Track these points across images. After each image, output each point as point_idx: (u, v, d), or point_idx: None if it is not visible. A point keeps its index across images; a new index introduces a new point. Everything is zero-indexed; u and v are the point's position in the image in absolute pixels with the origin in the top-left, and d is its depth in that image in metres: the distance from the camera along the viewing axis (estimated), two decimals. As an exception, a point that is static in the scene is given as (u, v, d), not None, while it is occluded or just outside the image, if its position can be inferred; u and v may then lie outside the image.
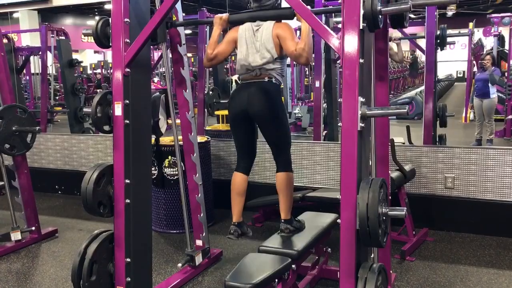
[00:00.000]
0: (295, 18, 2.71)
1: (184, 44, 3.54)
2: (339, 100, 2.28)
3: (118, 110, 2.75)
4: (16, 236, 4.23)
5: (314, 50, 6.27)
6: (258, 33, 2.82)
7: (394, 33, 5.90)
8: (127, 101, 2.74)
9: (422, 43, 5.50)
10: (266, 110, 2.90)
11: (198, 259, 3.60)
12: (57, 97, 10.34)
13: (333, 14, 6.00)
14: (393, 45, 5.79)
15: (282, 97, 3.03)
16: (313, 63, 6.03)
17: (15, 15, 10.16)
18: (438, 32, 5.04)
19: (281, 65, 2.89)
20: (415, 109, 10.17)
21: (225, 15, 2.92)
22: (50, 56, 7.97)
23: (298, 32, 4.46)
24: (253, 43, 2.81)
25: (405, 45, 24.78)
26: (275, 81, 2.86)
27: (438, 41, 5.07)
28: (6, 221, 4.51)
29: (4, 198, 4.36)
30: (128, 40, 2.75)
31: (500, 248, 3.94)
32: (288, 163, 3.08)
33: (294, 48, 2.71)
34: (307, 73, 11.02)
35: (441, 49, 5.22)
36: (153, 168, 4.30)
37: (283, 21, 2.91)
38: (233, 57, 12.92)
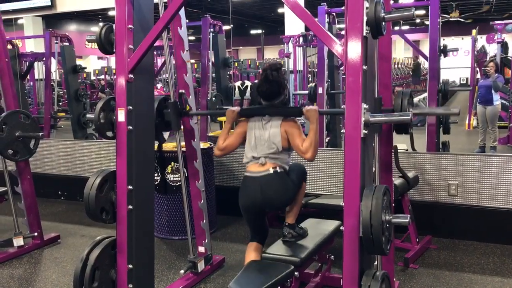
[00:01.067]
0: (304, 115, 2.81)
1: (187, 50, 3.55)
2: (342, 106, 2.28)
3: (121, 116, 2.75)
4: (18, 241, 4.23)
5: (318, 57, 6.28)
6: (267, 125, 2.92)
7: (396, 38, 5.90)
8: (130, 107, 2.75)
9: (426, 49, 5.50)
10: (284, 200, 2.98)
11: (201, 265, 3.59)
12: (60, 103, 10.37)
13: (336, 21, 6.02)
14: None
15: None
16: (316, 70, 6.03)
17: (19, 21, 10.23)
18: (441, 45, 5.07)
19: (287, 156, 2.97)
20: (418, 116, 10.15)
21: (236, 109, 3.03)
22: (54, 62, 8.00)
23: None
24: (261, 134, 2.91)
25: (408, 52, 24.80)
26: (280, 169, 2.90)
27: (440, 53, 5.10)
28: (9, 227, 4.51)
29: (7, 204, 4.36)
30: (131, 47, 2.76)
31: (505, 256, 3.91)
32: (304, 175, 3.11)
33: (301, 145, 2.79)
34: (310, 79, 11.04)
35: (444, 56, 5.23)
36: (155, 174, 4.30)
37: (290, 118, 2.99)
38: (236, 63, 12.98)
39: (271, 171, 2.87)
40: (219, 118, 6.80)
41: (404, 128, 2.75)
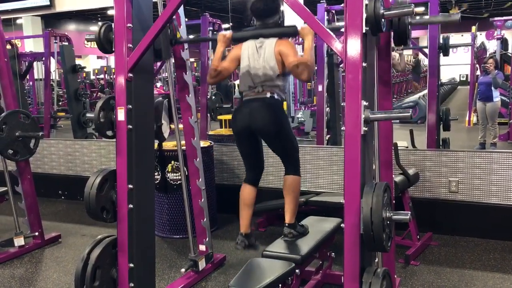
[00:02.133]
0: (299, 34, 2.72)
1: (186, 49, 3.54)
2: (342, 104, 2.28)
3: (121, 115, 2.75)
4: (19, 241, 4.23)
5: (317, 55, 6.27)
6: (261, 50, 2.83)
7: None
8: (130, 106, 2.75)
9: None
10: (269, 126, 2.90)
11: (202, 264, 3.59)
12: (60, 103, 10.38)
13: (335, 18, 6.01)
14: (396, 55, 5.79)
15: (285, 104, 3.04)
16: (316, 67, 6.02)
17: (18, 21, 10.22)
18: (441, 42, 5.04)
19: (284, 82, 2.91)
20: (419, 113, 10.15)
21: (228, 33, 2.95)
22: (53, 62, 7.99)
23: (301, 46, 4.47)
24: (256, 60, 2.83)
25: (408, 49, 24.71)
26: (277, 97, 2.87)
27: (441, 51, 5.08)
28: (10, 227, 4.51)
29: (8, 204, 4.36)
30: (131, 45, 2.76)
31: (506, 252, 3.91)
32: (297, 167, 3.09)
33: (296, 64, 2.71)
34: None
35: (444, 55, 5.21)
36: (156, 173, 4.30)
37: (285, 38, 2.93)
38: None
39: (268, 95, 2.83)
40: (219, 117, 6.80)
41: (403, 35, 2.64)
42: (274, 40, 2.81)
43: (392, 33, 2.62)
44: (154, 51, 3.15)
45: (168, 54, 3.29)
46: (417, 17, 2.44)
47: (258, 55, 2.82)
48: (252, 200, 3.08)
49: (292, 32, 2.83)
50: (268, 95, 2.82)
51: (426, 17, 2.70)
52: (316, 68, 6.06)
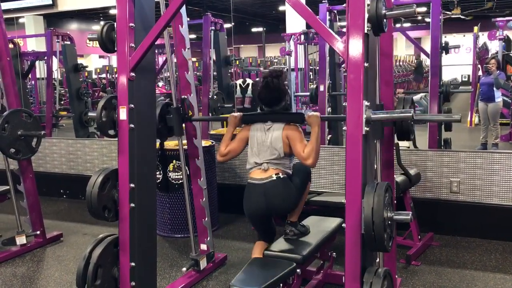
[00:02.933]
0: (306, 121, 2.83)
1: (188, 48, 3.55)
2: (343, 104, 2.28)
3: (123, 114, 2.75)
4: (21, 240, 4.24)
5: (319, 54, 6.28)
6: (268, 132, 2.92)
7: (398, 35, 5.92)
8: (132, 105, 2.75)
9: (427, 47, 5.49)
10: (289, 208, 2.99)
11: (203, 263, 3.60)
12: (62, 102, 10.40)
13: (337, 18, 6.01)
14: None
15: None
16: (318, 67, 6.03)
17: (20, 20, 10.24)
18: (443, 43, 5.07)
19: (289, 161, 2.97)
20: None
21: (238, 114, 3.05)
22: (55, 61, 8.01)
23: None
24: (263, 141, 2.92)
25: (410, 49, 24.77)
26: (283, 175, 2.90)
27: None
28: (12, 225, 4.52)
29: (10, 202, 4.37)
30: (133, 45, 2.76)
31: (507, 253, 3.91)
32: (308, 176, 3.12)
33: (302, 151, 2.79)
34: (311, 77, 11.03)
35: (446, 53, 5.22)
36: (157, 172, 4.30)
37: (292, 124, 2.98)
38: (237, 61, 12.95)
39: (274, 177, 2.88)
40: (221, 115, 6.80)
41: (406, 134, 2.75)
42: (282, 124, 2.91)
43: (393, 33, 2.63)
44: (166, 128, 3.36)
45: (181, 131, 3.45)
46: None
47: (266, 136, 2.92)
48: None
49: (299, 119, 2.92)
50: (274, 176, 2.86)
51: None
52: (318, 68, 6.08)
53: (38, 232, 4.40)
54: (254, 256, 3.00)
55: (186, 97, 3.49)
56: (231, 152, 3.04)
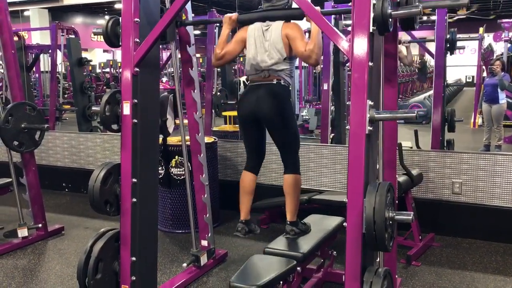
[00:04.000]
0: (305, 19, 2.70)
1: (193, 44, 3.55)
2: (347, 103, 2.28)
3: (126, 109, 2.76)
4: (23, 232, 4.25)
5: (323, 53, 6.26)
6: (267, 33, 2.81)
7: (403, 36, 5.90)
8: (136, 101, 2.75)
9: (432, 47, 5.47)
10: (275, 114, 2.89)
11: (203, 259, 3.60)
12: (65, 95, 10.41)
13: (342, 17, 5.99)
14: (402, 48, 5.78)
15: (291, 99, 3.02)
16: (322, 66, 6.01)
17: (26, 13, 10.27)
18: (448, 36, 5.02)
19: (290, 65, 2.88)
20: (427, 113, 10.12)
21: (234, 15, 2.93)
22: (59, 55, 8.02)
23: (307, 34, 4.49)
24: (262, 43, 2.81)
25: (415, 49, 24.65)
26: (284, 82, 2.86)
27: (448, 45, 5.05)
28: (13, 218, 4.54)
29: (12, 195, 4.38)
30: (137, 40, 2.76)
31: (507, 255, 3.90)
32: (296, 166, 3.07)
33: (304, 48, 2.70)
34: (315, 75, 11.01)
35: (451, 54, 5.19)
36: (160, 168, 4.30)
37: (292, 21, 2.91)
38: (241, 58, 12.92)
39: (275, 81, 2.82)
40: (224, 113, 6.80)
41: (410, 24, 2.63)
42: (281, 23, 2.78)
43: (399, 33, 2.62)
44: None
45: (173, 36, 3.27)
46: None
47: (264, 38, 2.80)
48: (252, 188, 3.09)
49: (299, 15, 2.79)
50: (275, 81, 2.81)
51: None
52: (322, 66, 6.06)
53: (40, 225, 4.41)
54: (242, 185, 2.98)
55: None
56: (227, 54, 2.95)
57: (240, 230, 3.10)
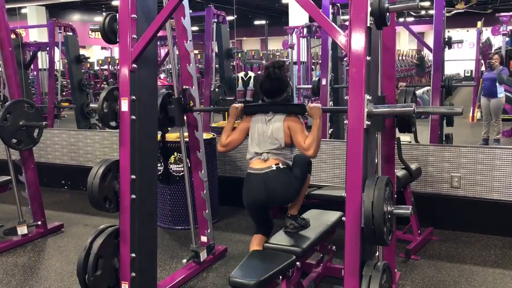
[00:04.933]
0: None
1: (190, 40, 3.54)
2: (345, 97, 2.28)
3: (124, 105, 2.76)
4: (22, 230, 4.26)
5: (322, 48, 6.26)
6: (269, 123, 2.91)
7: (401, 30, 5.90)
8: (134, 97, 2.75)
9: (430, 41, 5.48)
10: (288, 198, 2.98)
11: (203, 255, 3.61)
12: (64, 93, 10.40)
13: (340, 12, 5.99)
14: None
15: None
16: (320, 61, 6.02)
17: (23, 10, 10.25)
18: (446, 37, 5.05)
19: (290, 152, 2.96)
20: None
21: (240, 105, 3.04)
22: (57, 52, 8.01)
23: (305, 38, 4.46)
24: (264, 131, 2.91)
25: (413, 44, 24.66)
26: (283, 165, 2.89)
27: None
28: (13, 215, 4.54)
29: (11, 193, 4.39)
30: (135, 36, 2.76)
31: (506, 248, 3.92)
32: (308, 167, 3.11)
33: (303, 141, 2.79)
34: (313, 70, 11.01)
35: (449, 48, 5.20)
36: (158, 164, 4.31)
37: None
38: (239, 54, 12.88)
39: (274, 167, 2.87)
40: (223, 109, 6.80)
41: (407, 126, 2.76)
42: (283, 115, 2.90)
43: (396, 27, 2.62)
44: (168, 118, 3.35)
45: (182, 122, 3.43)
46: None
47: (267, 127, 2.91)
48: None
49: (301, 111, 2.91)
50: (274, 167, 2.86)
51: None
52: (320, 61, 6.06)
53: (39, 223, 4.41)
54: (252, 249, 3.01)
55: (187, 87, 3.49)
56: (232, 143, 3.05)
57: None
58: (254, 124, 2.96)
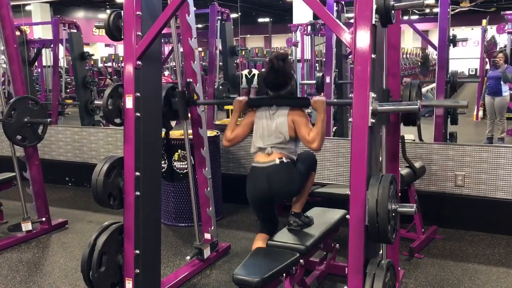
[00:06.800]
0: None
1: (195, 38, 3.54)
2: (350, 95, 2.28)
3: (129, 102, 2.76)
4: (27, 226, 4.28)
5: (326, 45, 6.25)
6: (274, 116, 2.90)
7: (405, 28, 5.89)
8: (138, 94, 2.76)
9: (435, 39, 5.46)
10: (291, 192, 2.99)
11: (207, 252, 3.62)
12: (68, 90, 10.42)
13: (345, 9, 5.97)
14: None
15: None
16: (324, 59, 6.01)
17: (27, 7, 10.26)
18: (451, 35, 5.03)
19: (294, 145, 2.95)
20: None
21: (244, 99, 3.02)
22: (61, 49, 8.02)
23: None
24: (268, 125, 2.90)
25: (417, 42, 24.56)
26: (287, 160, 2.89)
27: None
28: (17, 212, 4.56)
29: (16, 189, 4.40)
30: (139, 33, 2.76)
31: (510, 247, 3.91)
32: (313, 165, 3.12)
33: (308, 134, 2.79)
34: (317, 68, 10.99)
35: (454, 46, 5.19)
36: (162, 162, 4.32)
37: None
38: (243, 51, 12.88)
39: (278, 161, 2.86)
40: (226, 107, 6.80)
41: (411, 120, 2.76)
42: (287, 109, 2.88)
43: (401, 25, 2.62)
44: (172, 112, 3.33)
45: (186, 115, 3.42)
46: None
47: (271, 120, 2.90)
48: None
49: (305, 104, 2.90)
50: (278, 161, 2.85)
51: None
52: (324, 59, 6.05)
53: (44, 219, 4.43)
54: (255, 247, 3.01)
55: (191, 80, 3.48)
56: (236, 137, 3.05)
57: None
58: (259, 117, 2.95)
